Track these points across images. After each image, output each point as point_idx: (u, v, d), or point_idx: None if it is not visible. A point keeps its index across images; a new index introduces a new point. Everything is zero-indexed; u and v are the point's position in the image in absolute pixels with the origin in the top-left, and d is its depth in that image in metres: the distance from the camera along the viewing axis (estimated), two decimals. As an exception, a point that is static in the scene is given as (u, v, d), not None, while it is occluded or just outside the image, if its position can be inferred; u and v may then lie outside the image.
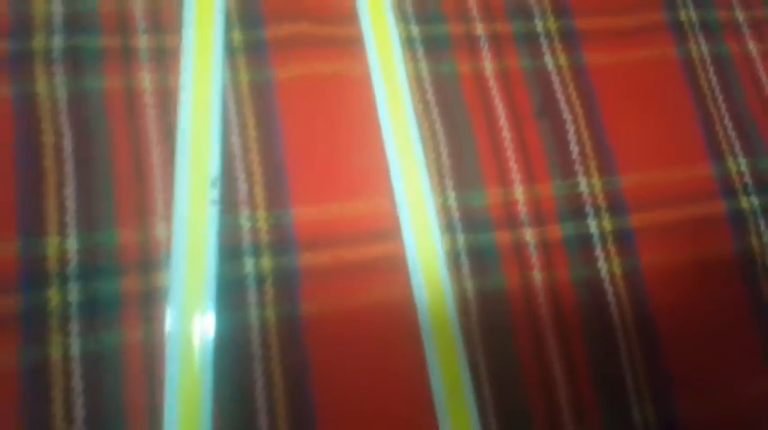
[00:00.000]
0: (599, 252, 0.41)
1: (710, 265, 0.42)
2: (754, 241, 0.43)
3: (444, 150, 0.41)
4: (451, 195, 0.40)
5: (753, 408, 0.39)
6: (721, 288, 0.42)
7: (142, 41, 0.39)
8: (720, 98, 0.47)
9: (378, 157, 0.40)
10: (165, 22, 0.40)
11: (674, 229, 0.42)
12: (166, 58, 0.39)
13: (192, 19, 0.39)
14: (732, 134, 0.46)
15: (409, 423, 0.35)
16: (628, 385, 0.38)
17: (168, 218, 0.35)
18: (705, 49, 0.48)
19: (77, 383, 0.32)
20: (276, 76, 0.40)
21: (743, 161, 0.45)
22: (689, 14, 0.49)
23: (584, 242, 0.41)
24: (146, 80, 0.38)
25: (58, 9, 0.38)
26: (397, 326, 0.36)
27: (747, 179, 0.45)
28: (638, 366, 0.39)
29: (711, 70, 0.48)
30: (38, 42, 0.37)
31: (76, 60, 0.37)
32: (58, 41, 0.37)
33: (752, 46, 0.49)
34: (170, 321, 0.34)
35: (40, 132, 0.36)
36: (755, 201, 0.44)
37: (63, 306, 0.33)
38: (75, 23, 0.38)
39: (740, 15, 0.50)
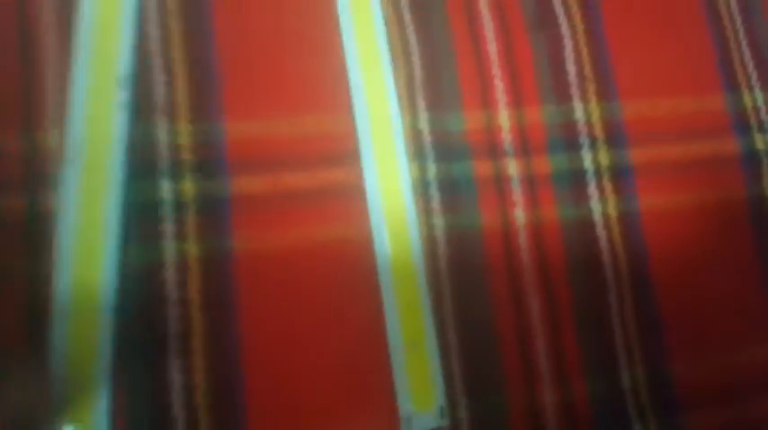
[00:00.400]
0: (593, 190, 0.35)
1: (718, 212, 0.37)
2: (768, 185, 0.38)
3: (417, 62, 0.34)
4: (423, 116, 0.33)
5: (756, 370, 0.35)
6: (729, 238, 0.36)
7: None
8: (739, 21, 0.40)
9: (335, 65, 0.33)
10: None
11: (678, 168, 0.36)
12: None
13: None
14: (750, 63, 0.40)
15: (360, 380, 0.29)
16: (617, 343, 0.33)
17: (61, 123, 0.28)
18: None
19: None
20: (210, -42, 0.32)
21: (760, 95, 0.39)
22: None
23: (577, 178, 0.35)
24: (38, -51, 0.30)
25: None
26: (350, 266, 0.30)
27: (764, 116, 0.39)
28: (630, 322, 0.34)
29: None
30: None
31: None
32: None
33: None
34: (60, 255, 0.27)
35: None
36: (772, 140, 0.38)
37: None
38: None
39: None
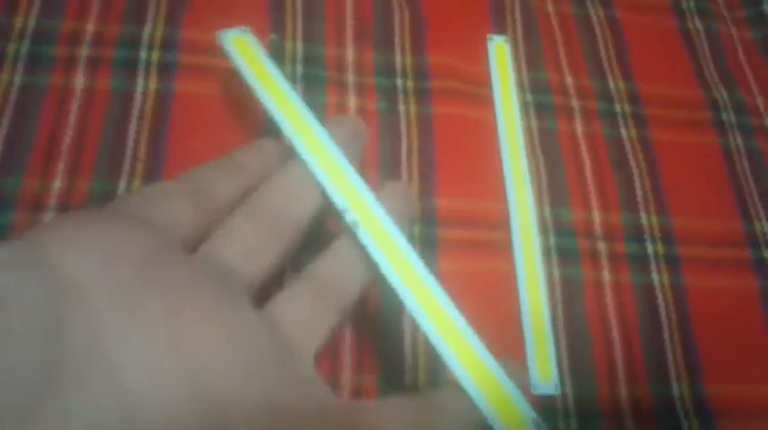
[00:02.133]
0: (653, 267, 0.55)
1: (738, 293, 0.56)
2: (774, 283, 0.57)
3: (544, 178, 0.57)
4: (547, 209, 0.56)
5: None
6: (744, 312, 0.55)
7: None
8: (748, 171, 0.62)
9: (498, 176, 0.56)
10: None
11: (711, 262, 0.56)
12: None
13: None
14: (758, 204, 0.61)
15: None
16: (669, 366, 0.51)
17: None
18: (741, 143, 0.64)
19: None
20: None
21: (766, 224, 0.60)
22: (729, 117, 0.66)
23: (642, 258, 0.55)
24: None
25: None
26: (498, 292, 0.51)
27: (770, 238, 0.59)
28: (678, 353, 0.51)
29: (745, 161, 0.63)
30: None
31: None
32: None
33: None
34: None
35: None
36: (776, 254, 0.58)
37: None
38: None
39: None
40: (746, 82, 0.69)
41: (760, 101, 0.68)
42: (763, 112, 0.67)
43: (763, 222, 0.60)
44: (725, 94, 0.67)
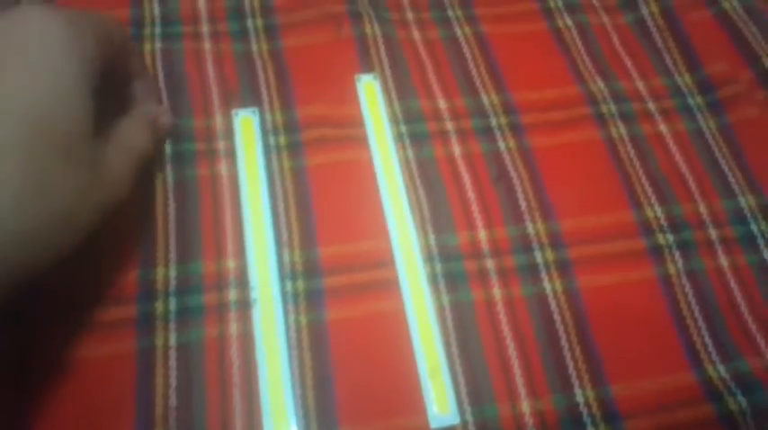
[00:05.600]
0: (544, 276, 0.55)
1: (635, 284, 0.55)
2: (671, 267, 0.57)
3: (426, 207, 0.57)
4: (431, 237, 0.56)
5: (674, 395, 0.51)
6: (645, 302, 0.55)
7: None
8: (638, 164, 0.62)
9: (379, 214, 0.57)
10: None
11: (604, 259, 0.56)
12: None
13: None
14: (649, 190, 0.61)
15: (397, 389, 0.48)
16: (570, 373, 0.51)
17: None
18: (624, 131, 0.65)
19: None
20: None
21: (658, 209, 0.60)
22: (609, 108, 0.66)
23: (533, 269, 0.55)
24: None
25: None
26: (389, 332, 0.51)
27: (663, 223, 0.59)
28: (578, 358, 0.51)
29: (630, 148, 0.64)
30: None
31: None
32: None
33: (662, 128, 0.66)
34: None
35: None
36: (670, 237, 0.58)
37: None
38: None
39: (652, 107, 0.67)
40: (624, 69, 0.70)
41: (640, 85, 0.69)
42: (645, 96, 0.68)
43: (655, 207, 0.60)
44: (602, 86, 0.68)
